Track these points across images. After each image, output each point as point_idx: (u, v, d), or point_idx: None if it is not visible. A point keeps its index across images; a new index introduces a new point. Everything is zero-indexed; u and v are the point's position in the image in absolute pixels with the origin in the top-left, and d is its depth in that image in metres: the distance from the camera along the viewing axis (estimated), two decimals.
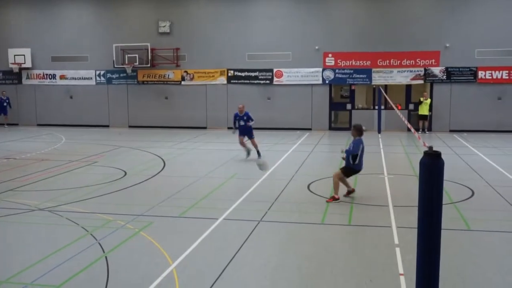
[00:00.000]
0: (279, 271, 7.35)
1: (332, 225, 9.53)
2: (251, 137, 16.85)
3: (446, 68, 24.05)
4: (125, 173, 14.42)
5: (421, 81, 24.37)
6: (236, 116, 17.10)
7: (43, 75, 28.01)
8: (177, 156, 17.77)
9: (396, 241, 8.44)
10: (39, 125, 28.09)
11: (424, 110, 23.74)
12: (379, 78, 24.57)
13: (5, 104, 27.05)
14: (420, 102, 23.75)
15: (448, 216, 9.34)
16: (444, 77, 24.13)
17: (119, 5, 26.81)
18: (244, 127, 16.89)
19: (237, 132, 17.12)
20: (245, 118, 16.85)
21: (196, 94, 26.24)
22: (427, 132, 24.03)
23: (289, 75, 25.31)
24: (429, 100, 23.90)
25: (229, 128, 25.35)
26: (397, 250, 7.98)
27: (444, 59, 24.02)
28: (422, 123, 23.99)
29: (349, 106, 25.38)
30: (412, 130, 9.90)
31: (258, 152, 16.76)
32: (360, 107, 25.57)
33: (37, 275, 7.09)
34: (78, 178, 13.98)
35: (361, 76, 24.72)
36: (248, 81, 25.76)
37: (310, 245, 8.47)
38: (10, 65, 27.67)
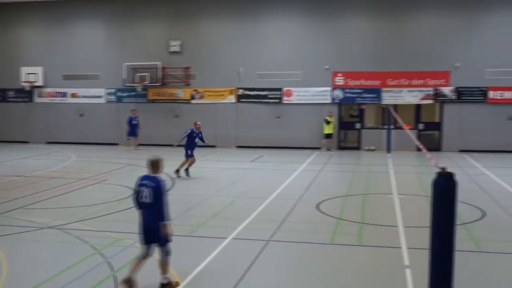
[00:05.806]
0: None
1: (342, 245, 9.46)
2: (192, 155, 16.87)
3: (456, 88, 23.98)
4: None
5: (431, 101, 24.30)
6: (192, 132, 16.93)
7: (55, 93, 28.25)
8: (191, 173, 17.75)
9: (407, 262, 8.36)
10: (48, 142, 28.21)
11: (329, 129, 24.32)
12: (388, 98, 24.54)
13: (134, 122, 25.28)
14: (328, 122, 24.24)
15: (459, 237, 9.20)
16: (454, 97, 24.06)
17: (131, 25, 27.07)
18: (195, 145, 16.95)
19: (184, 148, 16.93)
20: (200, 136, 16.99)
21: (206, 113, 26.23)
22: (332, 150, 24.52)
23: (299, 94, 25.36)
24: (333, 119, 24.46)
25: (238, 146, 25.49)
26: (408, 271, 7.90)
27: (454, 79, 23.96)
28: (326, 142, 24.51)
29: (358, 125, 25.34)
30: (424, 149, 9.88)
31: (187, 170, 16.81)
32: (370, 126, 25.52)
33: None
34: (88, 196, 14.01)
35: (370, 95, 24.72)
36: (257, 100, 25.84)
37: (319, 265, 8.40)
38: (22, 83, 27.90)
